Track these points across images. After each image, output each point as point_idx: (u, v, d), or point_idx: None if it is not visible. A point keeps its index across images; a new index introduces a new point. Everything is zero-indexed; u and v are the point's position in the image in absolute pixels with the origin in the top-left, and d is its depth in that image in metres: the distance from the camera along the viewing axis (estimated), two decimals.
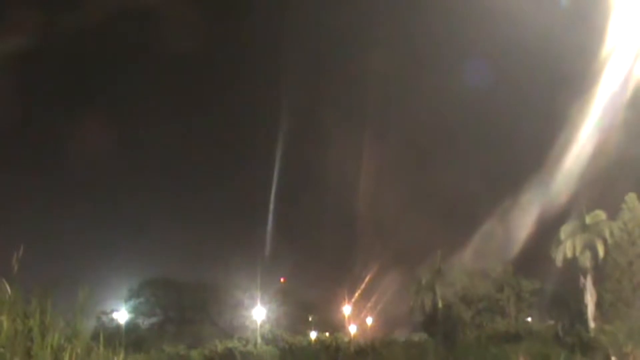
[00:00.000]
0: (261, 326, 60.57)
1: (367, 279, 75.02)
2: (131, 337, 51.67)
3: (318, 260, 75.19)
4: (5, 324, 9.95)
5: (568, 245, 52.01)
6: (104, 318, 58.47)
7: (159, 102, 74.69)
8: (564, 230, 52.93)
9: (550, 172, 59.97)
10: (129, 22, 67.46)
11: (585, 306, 51.48)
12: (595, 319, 49.95)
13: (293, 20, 70.21)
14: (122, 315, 61.30)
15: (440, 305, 56.94)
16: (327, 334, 64.74)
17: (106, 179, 71.39)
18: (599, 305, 49.96)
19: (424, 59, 70.70)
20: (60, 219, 66.70)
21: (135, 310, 63.31)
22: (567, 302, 55.47)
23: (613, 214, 51.71)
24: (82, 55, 70.64)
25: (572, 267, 52.30)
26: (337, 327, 67.61)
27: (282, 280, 71.83)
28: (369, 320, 70.51)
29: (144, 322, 63.28)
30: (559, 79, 59.27)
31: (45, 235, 59.87)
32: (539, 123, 62.90)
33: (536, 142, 62.87)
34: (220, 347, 51.45)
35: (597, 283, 51.01)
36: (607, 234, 50.59)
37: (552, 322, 56.78)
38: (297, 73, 69.61)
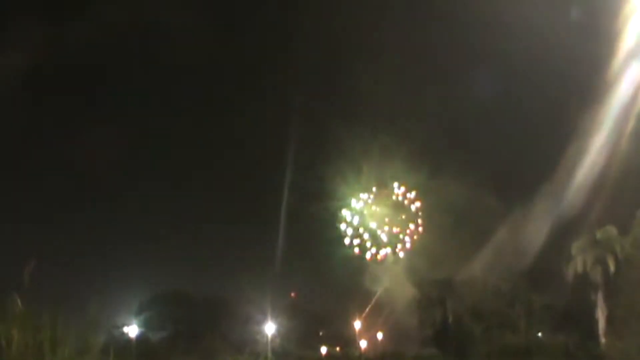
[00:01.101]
0: (272, 340, 60.51)
1: (377, 294, 74.91)
2: (141, 351, 51.75)
3: (329, 274, 75.10)
4: (16, 338, 10.06)
5: (579, 260, 51.87)
6: (115, 332, 58.57)
7: (167, 113, 74.94)
8: (575, 246, 52.75)
9: (561, 185, 59.93)
10: (135, 28, 67.77)
11: (596, 322, 51.22)
12: (606, 335, 49.65)
13: (301, 27, 70.49)
14: (132, 329, 61.34)
15: (450, 319, 56.77)
16: (337, 348, 64.61)
17: (115, 192, 71.44)
18: (610, 320, 49.67)
19: (435, 68, 70.77)
20: (70, 232, 66.82)
21: (145, 324, 63.30)
22: (577, 318, 55.19)
23: (624, 227, 51.54)
24: (88, 61, 71.02)
25: (583, 282, 52.09)
26: (347, 341, 67.43)
27: (292, 294, 71.76)
28: (379, 335, 70.22)
29: (155, 336, 63.28)
30: (569, 89, 59.11)
31: (55, 249, 59.96)
32: (550, 134, 62.81)
33: (547, 153, 62.74)
34: None
35: (608, 299, 50.75)
36: (618, 250, 50.40)
37: (562, 337, 56.43)
38: (308, 82, 69.73)
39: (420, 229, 73.22)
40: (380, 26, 69.82)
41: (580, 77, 57.90)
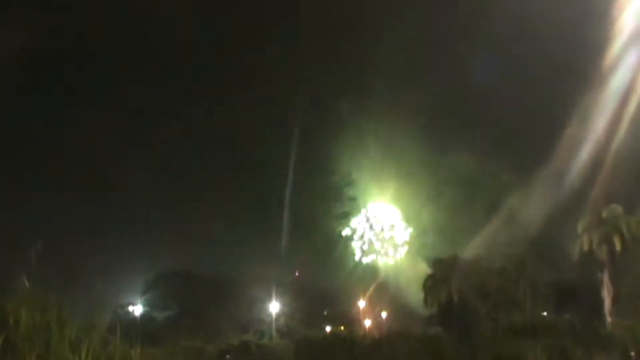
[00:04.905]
0: (276, 320, 60.75)
1: (381, 272, 75.14)
2: (147, 330, 51.90)
3: (333, 253, 75.29)
4: (24, 318, 10.05)
5: (585, 239, 51.76)
6: (120, 311, 58.80)
7: (173, 94, 74.73)
8: (581, 224, 52.63)
9: (567, 163, 59.82)
10: (135, 15, 67.45)
11: (602, 301, 51.21)
12: (611, 314, 49.66)
13: (304, 14, 70.24)
14: (138, 308, 61.61)
15: (455, 298, 56.73)
16: (342, 327, 64.84)
17: (122, 173, 71.47)
18: (615, 299, 49.67)
19: (442, 50, 70.56)
20: (77, 213, 66.95)
21: (151, 304, 63.59)
22: (583, 297, 55.17)
23: (629, 206, 51.48)
24: (84, 52, 70.79)
25: (589, 261, 52.03)
26: (351, 320, 67.64)
27: (296, 274, 71.96)
28: (384, 314, 70.46)
29: (160, 315, 63.52)
30: (570, 72, 58.86)
31: (62, 230, 60.10)
32: (553, 115, 62.62)
33: (551, 134, 62.48)
34: (236, 341, 51.65)
35: (614, 278, 50.71)
36: (624, 229, 50.27)
37: (567, 316, 56.46)
38: (312, 68, 69.65)
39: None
40: (385, 10, 69.72)
41: (582, 58, 57.79)
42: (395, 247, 75.85)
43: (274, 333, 57.04)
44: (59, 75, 72.16)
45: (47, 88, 70.92)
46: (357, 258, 75.74)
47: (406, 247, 75.52)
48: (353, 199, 75.82)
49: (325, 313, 70.55)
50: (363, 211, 76.21)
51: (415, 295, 62.89)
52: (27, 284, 10.58)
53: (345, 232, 76.00)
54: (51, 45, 65.59)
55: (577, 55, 57.10)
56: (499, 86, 64.35)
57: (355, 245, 75.92)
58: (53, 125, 70.07)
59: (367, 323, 67.82)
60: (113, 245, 65.44)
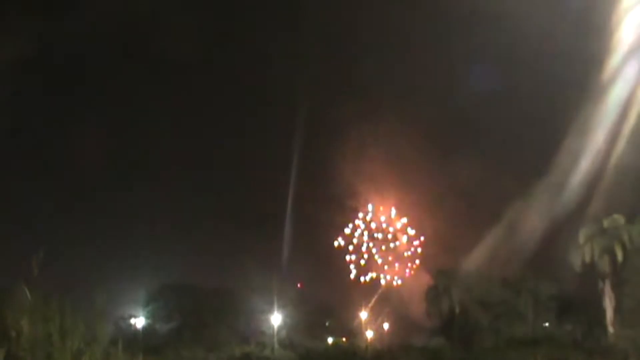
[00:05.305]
0: (278, 331, 60.52)
1: (384, 284, 75.05)
2: (149, 342, 51.78)
3: (335, 265, 75.27)
4: (25, 329, 10.05)
5: (586, 249, 51.61)
6: (122, 323, 58.65)
7: (173, 106, 74.91)
8: (583, 235, 52.51)
9: (567, 175, 59.81)
10: (137, 26, 67.69)
11: (604, 311, 51.07)
12: (613, 324, 49.51)
13: (305, 24, 70.50)
14: (139, 320, 61.44)
15: (457, 310, 56.67)
16: (343, 339, 64.65)
17: (123, 184, 71.63)
18: (617, 310, 49.53)
19: (441, 62, 70.74)
20: (79, 223, 67.01)
21: (152, 315, 63.38)
22: (585, 307, 55.03)
23: (629, 218, 51.40)
24: (88, 57, 71.09)
25: (591, 271, 51.89)
26: (353, 332, 67.45)
27: (299, 285, 71.84)
28: (386, 326, 70.29)
29: (162, 327, 63.32)
30: (570, 83, 58.96)
31: (64, 240, 60.08)
32: (554, 126, 62.66)
33: (552, 144, 62.54)
34: (238, 352, 51.51)
35: (616, 288, 50.56)
36: (626, 239, 50.17)
37: (569, 327, 56.32)
38: (311, 81, 69.78)
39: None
40: (388, 22, 69.97)
41: (584, 71, 57.94)
42: (400, 259, 75.75)
43: (276, 345, 56.81)
44: (63, 82, 72.42)
45: (49, 94, 71.19)
46: (352, 276, 75.84)
47: (416, 262, 75.56)
48: (355, 210, 75.81)
49: (327, 324, 70.32)
50: (363, 221, 76.19)
51: (417, 306, 62.85)
52: (29, 295, 10.60)
53: (346, 243, 75.91)
54: (55, 54, 66.04)
55: (577, 67, 57.17)
56: (500, 98, 64.49)
57: (355, 258, 75.88)
58: (57, 134, 70.33)
59: (369, 334, 67.62)
60: (115, 257, 65.48)
